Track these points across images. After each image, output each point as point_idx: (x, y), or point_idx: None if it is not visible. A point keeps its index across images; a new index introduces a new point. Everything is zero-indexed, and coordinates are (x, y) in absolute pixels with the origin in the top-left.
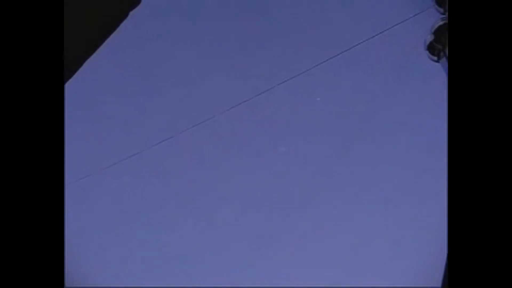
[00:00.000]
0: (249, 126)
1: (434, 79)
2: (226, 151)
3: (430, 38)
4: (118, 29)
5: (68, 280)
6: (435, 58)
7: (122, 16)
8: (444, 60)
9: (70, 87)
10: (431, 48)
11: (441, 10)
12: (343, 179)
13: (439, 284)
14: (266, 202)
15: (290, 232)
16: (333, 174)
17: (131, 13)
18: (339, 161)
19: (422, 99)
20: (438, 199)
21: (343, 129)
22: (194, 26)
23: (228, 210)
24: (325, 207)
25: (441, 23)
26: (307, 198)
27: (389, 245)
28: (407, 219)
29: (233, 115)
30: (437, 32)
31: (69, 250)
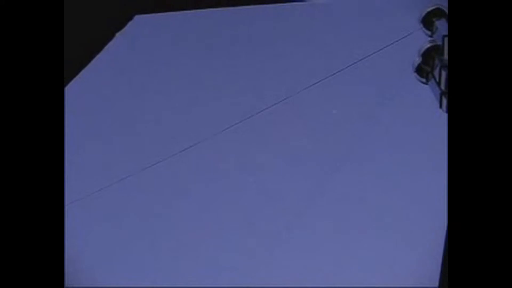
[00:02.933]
0: (246, 144)
1: (424, 101)
2: (225, 168)
3: (418, 60)
4: (111, 49)
5: (68, 280)
6: (424, 80)
7: (108, 37)
8: (433, 82)
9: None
10: (419, 70)
11: (429, 32)
12: (335, 194)
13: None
14: (265, 209)
15: (290, 232)
16: (325, 189)
17: (117, 34)
18: (328, 181)
19: (411, 121)
20: (431, 215)
21: (332, 151)
22: (188, 47)
23: (227, 212)
24: (326, 209)
25: (428, 45)
26: (307, 202)
27: (389, 245)
28: (404, 223)
29: (230, 134)
30: (425, 55)
31: (69, 250)
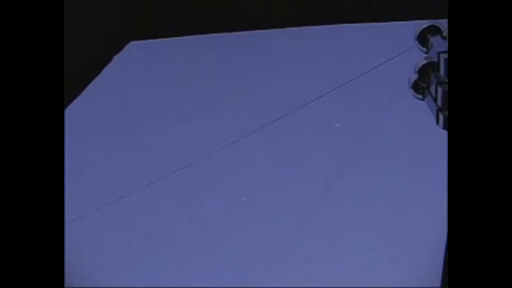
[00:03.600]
0: (246, 161)
1: (420, 118)
2: (229, 180)
3: (414, 77)
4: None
5: (68, 280)
6: (420, 96)
7: (106, 60)
8: (429, 98)
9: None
10: (415, 87)
11: (424, 49)
12: (339, 201)
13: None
14: (272, 214)
15: (294, 237)
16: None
17: (115, 57)
18: (333, 187)
19: (408, 137)
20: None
21: (328, 168)
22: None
23: (229, 219)
24: (328, 211)
25: (424, 62)
26: (312, 207)
27: (390, 245)
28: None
29: (228, 151)
30: (421, 71)
31: (69, 250)
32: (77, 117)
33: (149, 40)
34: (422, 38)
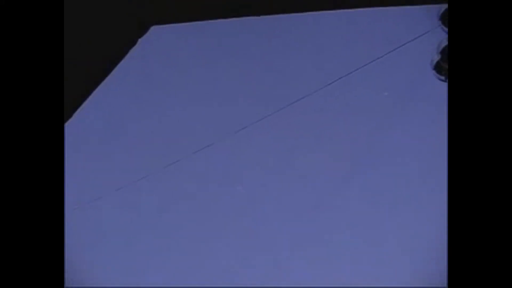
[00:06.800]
0: (258, 146)
1: (442, 98)
2: (227, 176)
3: (437, 57)
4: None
5: (68, 280)
6: (443, 77)
7: (130, 43)
8: None
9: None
10: (438, 68)
11: (447, 29)
12: (347, 200)
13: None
14: (276, 208)
15: (294, 233)
16: (339, 192)
17: (139, 40)
18: (345, 182)
19: (430, 118)
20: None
21: (351, 147)
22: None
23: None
24: (334, 210)
25: (447, 42)
26: (318, 202)
27: (393, 245)
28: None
29: (235, 139)
30: (444, 52)
31: (69, 250)
32: (94, 111)
33: (171, 25)
34: (446, 18)
